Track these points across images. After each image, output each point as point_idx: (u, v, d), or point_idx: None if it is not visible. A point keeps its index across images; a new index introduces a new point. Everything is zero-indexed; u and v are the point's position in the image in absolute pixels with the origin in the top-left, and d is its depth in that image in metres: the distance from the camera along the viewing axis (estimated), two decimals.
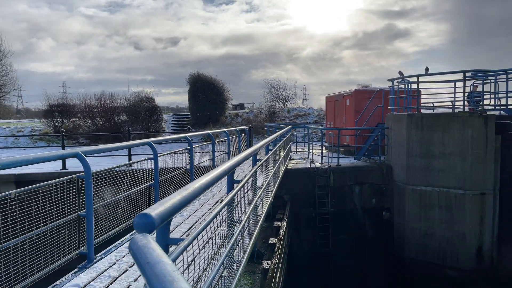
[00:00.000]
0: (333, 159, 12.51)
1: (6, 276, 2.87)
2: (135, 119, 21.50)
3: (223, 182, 3.27)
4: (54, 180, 3.40)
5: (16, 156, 2.89)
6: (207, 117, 23.58)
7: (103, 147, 4.10)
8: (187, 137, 6.71)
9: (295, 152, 15.74)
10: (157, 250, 1.10)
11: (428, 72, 11.26)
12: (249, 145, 14.55)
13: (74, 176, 3.67)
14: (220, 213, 2.57)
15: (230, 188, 3.24)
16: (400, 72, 11.85)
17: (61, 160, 12.36)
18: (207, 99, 23.61)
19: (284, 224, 9.29)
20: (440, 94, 12.99)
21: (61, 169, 12.49)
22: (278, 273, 6.53)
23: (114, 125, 20.99)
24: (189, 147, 6.96)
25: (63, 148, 12.87)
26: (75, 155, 3.57)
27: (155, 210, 1.43)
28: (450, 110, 12.39)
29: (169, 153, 6.08)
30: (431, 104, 12.72)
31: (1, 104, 36.22)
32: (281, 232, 8.45)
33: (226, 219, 2.95)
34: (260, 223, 4.73)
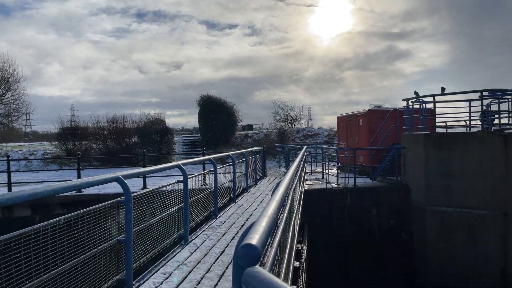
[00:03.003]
0: (349, 179, 12.39)
1: None
2: (146, 141, 21.57)
3: None
4: (98, 205, 3.36)
5: (66, 182, 2.86)
6: (217, 138, 23.62)
7: (140, 170, 4.08)
8: (212, 159, 6.69)
9: (309, 173, 15.64)
10: (284, 285, 1.04)
11: (444, 92, 11.26)
12: (264, 165, 14.48)
13: (115, 200, 3.62)
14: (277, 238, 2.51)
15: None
16: (415, 92, 11.87)
17: None
18: (217, 120, 23.72)
19: (305, 247, 9.12)
20: (454, 114, 12.99)
21: (76, 192, 12.46)
22: None
23: (125, 147, 21.06)
24: (212, 169, 6.91)
25: (79, 171, 12.89)
26: (116, 180, 3.54)
27: (254, 239, 1.37)
28: (464, 130, 12.35)
29: (196, 175, 6.04)
30: (445, 124, 12.70)
31: (11, 128, 36.58)
32: (303, 255, 8.30)
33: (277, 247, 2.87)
34: (294, 246, 4.64)
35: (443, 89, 11.21)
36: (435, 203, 11.05)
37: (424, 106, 12.20)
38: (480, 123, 11.72)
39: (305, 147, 12.83)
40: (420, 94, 12.12)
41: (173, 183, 5.07)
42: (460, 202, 10.65)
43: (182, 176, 5.18)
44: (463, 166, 10.63)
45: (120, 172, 3.63)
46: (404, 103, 12.81)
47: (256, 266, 1.23)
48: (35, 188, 2.46)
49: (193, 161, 6.34)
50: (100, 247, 3.34)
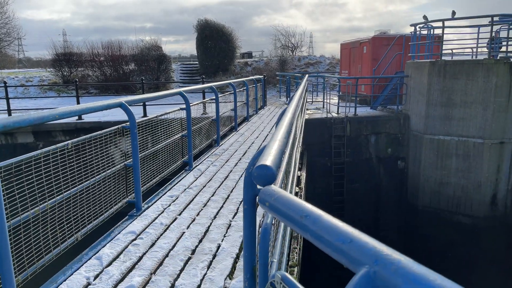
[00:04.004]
0: (350, 108, 12.37)
1: (68, 225, 2.93)
2: (143, 68, 21.11)
3: None
4: (103, 131, 3.37)
5: (70, 107, 2.83)
6: (216, 66, 23.08)
7: (142, 97, 4.04)
8: (213, 87, 6.59)
9: (310, 102, 15.58)
10: (303, 202, 1.06)
11: (455, 16, 10.76)
12: (264, 94, 14.36)
13: (119, 126, 3.63)
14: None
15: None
16: (424, 16, 11.34)
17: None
18: (215, 47, 22.96)
19: (304, 174, 9.42)
20: (461, 41, 12.62)
21: (77, 119, 12.50)
22: None
23: (122, 75, 20.67)
24: (213, 98, 6.85)
25: (77, 98, 12.78)
26: (120, 105, 3.51)
27: (268, 160, 1.38)
28: (470, 57, 12.05)
29: (198, 103, 5.99)
30: (451, 51, 12.37)
31: (4, 54, 35.54)
32: (302, 182, 8.59)
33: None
34: (296, 172, 4.76)
35: (453, 13, 10.70)
36: (433, 132, 11.16)
37: (432, 32, 11.75)
38: (487, 51, 11.39)
39: (306, 75, 12.60)
40: (429, 19, 11.61)
41: (176, 110, 5.05)
42: (458, 131, 10.77)
43: (183, 104, 5.14)
44: (465, 95, 10.55)
45: (123, 98, 3.59)
46: (411, 29, 12.33)
47: (271, 185, 1.26)
48: (41, 112, 2.44)
49: (194, 88, 6.25)
50: (108, 171, 3.42)
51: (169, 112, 4.84)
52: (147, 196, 4.27)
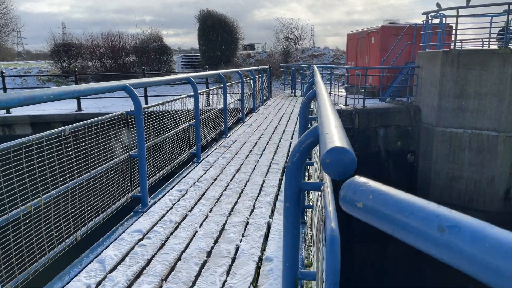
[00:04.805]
0: (358, 100, 11.96)
1: (65, 223, 2.55)
2: (144, 60, 20.65)
3: None
4: (106, 116, 2.98)
5: (68, 87, 2.44)
6: (218, 57, 22.60)
7: (148, 80, 3.65)
8: (221, 74, 6.19)
9: None
10: (434, 204, 0.67)
11: (469, 4, 10.33)
12: (270, 85, 13.95)
13: (123, 111, 3.23)
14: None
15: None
16: (437, 4, 10.90)
17: (76, 101, 11.91)
18: (218, 38, 22.46)
19: None
20: (473, 30, 12.21)
21: (76, 111, 12.13)
22: None
23: (123, 66, 20.22)
24: (221, 86, 6.44)
25: None
26: (123, 88, 3.11)
27: (337, 141, 1.00)
28: (480, 47, 11.64)
29: (205, 91, 5.60)
30: (460, 42, 11.94)
31: (3, 46, 35.02)
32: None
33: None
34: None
35: (468, 0, 10.26)
36: (445, 124, 10.77)
37: (445, 21, 11.32)
38: (496, 41, 11.01)
39: (314, 65, 12.18)
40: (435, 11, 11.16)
41: (183, 97, 4.65)
42: (471, 124, 10.38)
43: (189, 92, 4.74)
44: (480, 86, 10.15)
45: (127, 81, 3.19)
46: (423, 17, 11.88)
47: (357, 176, 0.88)
48: (33, 91, 2.04)
49: (202, 75, 5.84)
50: (111, 162, 3.03)
51: (176, 99, 4.43)
52: (153, 191, 3.89)
